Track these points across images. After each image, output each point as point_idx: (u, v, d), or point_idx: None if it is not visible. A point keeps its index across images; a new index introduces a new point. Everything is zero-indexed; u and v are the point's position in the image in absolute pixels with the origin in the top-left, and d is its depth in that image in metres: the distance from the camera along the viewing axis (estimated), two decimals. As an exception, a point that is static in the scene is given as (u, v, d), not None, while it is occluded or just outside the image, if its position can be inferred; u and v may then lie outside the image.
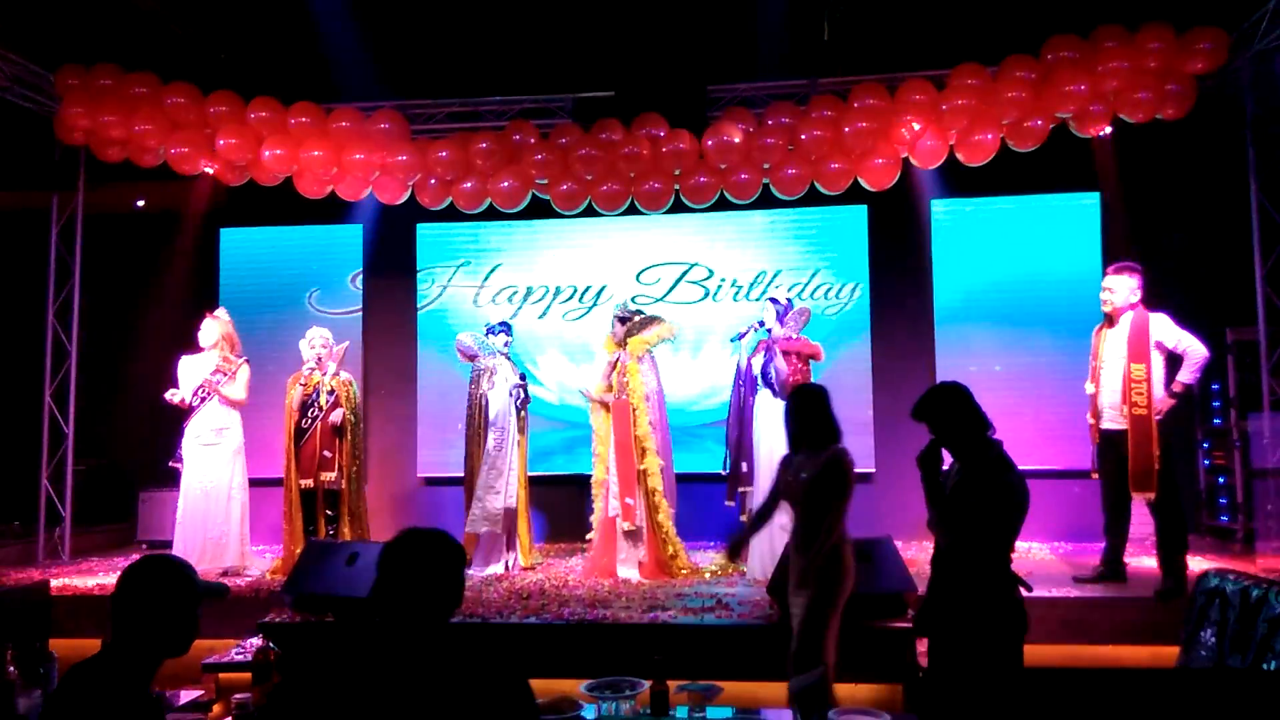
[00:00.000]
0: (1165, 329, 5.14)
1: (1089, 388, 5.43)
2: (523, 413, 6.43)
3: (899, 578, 4.59)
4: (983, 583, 3.01)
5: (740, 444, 6.07)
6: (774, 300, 6.07)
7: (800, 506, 3.55)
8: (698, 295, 7.80)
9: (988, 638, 2.99)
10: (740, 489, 6.07)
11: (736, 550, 4.22)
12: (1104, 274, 5.41)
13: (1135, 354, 5.13)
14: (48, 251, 7.19)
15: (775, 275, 7.66)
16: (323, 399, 6.26)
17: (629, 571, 5.95)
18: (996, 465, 3.02)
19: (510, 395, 6.27)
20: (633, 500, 5.96)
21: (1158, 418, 5.07)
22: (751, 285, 7.69)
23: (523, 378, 6.46)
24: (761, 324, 6.03)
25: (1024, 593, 3.07)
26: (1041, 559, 6.27)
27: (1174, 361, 5.17)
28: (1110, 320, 5.31)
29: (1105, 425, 5.30)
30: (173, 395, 6.19)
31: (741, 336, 6.10)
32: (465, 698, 1.86)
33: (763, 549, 5.75)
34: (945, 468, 3.18)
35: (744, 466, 6.01)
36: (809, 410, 3.58)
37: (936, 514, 3.09)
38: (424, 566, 1.95)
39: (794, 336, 6.01)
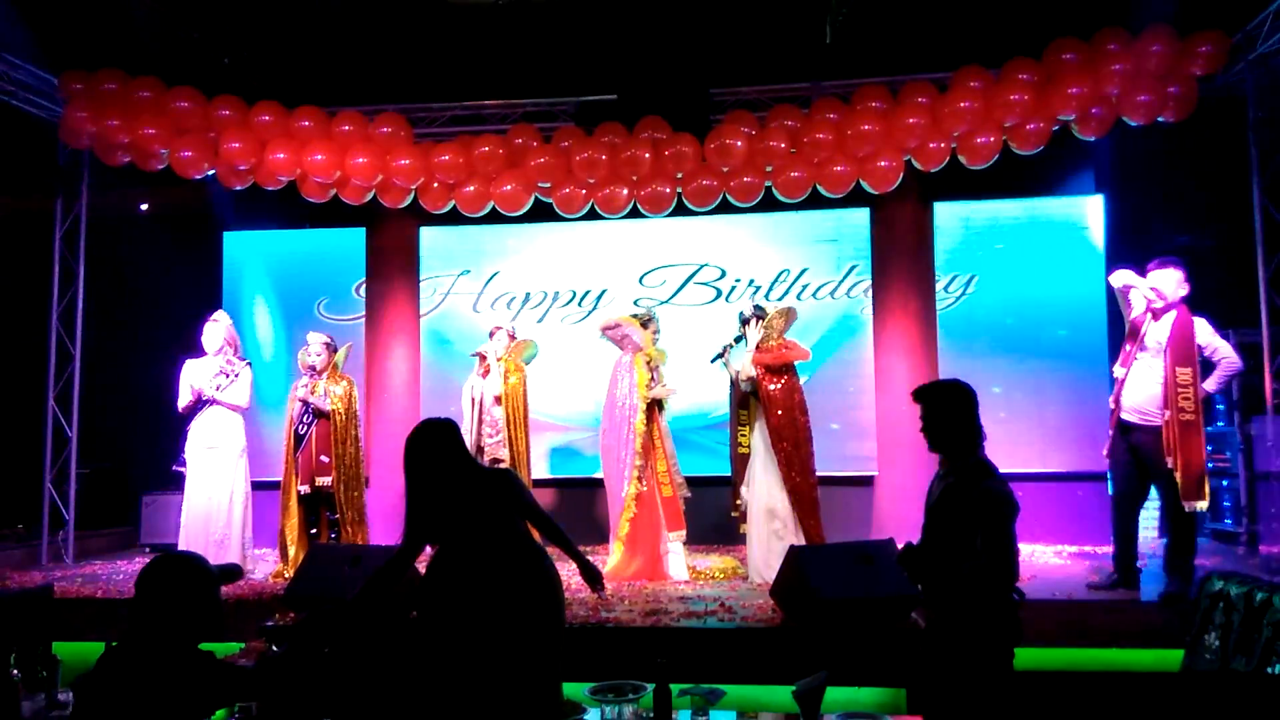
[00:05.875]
0: (1203, 332, 5.05)
1: (1118, 371, 5.27)
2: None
3: (901, 581, 4.57)
4: (983, 592, 2.96)
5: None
6: (757, 308, 5.98)
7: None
8: (709, 296, 7.81)
9: (982, 644, 2.94)
10: (739, 499, 6.04)
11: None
12: (1144, 273, 5.21)
13: (1181, 357, 5.00)
14: (51, 255, 7.20)
15: (779, 275, 7.66)
16: (319, 402, 6.25)
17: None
18: (979, 471, 2.93)
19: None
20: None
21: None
22: (759, 286, 7.70)
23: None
24: (740, 339, 5.97)
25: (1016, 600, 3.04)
26: (1046, 562, 6.26)
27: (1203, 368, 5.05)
28: (1154, 315, 5.15)
29: (1124, 415, 5.19)
30: (192, 391, 6.18)
31: (720, 357, 6.04)
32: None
33: (763, 551, 5.75)
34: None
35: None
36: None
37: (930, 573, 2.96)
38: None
39: (782, 343, 5.88)
